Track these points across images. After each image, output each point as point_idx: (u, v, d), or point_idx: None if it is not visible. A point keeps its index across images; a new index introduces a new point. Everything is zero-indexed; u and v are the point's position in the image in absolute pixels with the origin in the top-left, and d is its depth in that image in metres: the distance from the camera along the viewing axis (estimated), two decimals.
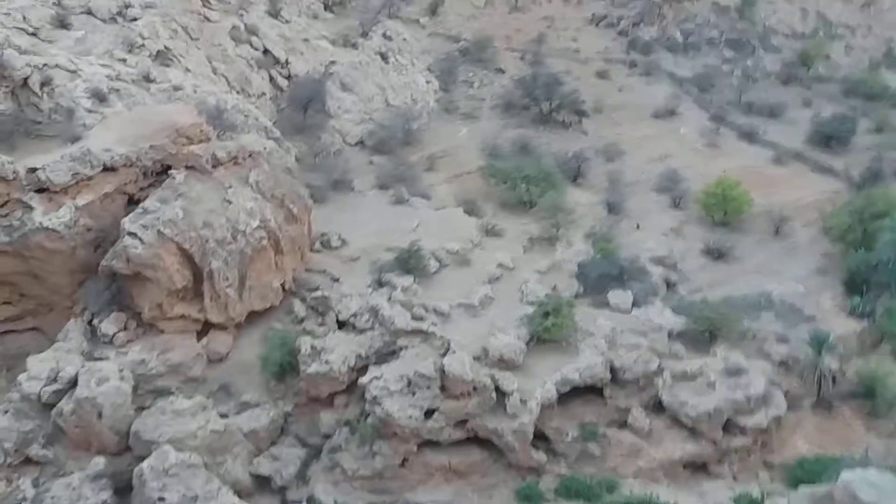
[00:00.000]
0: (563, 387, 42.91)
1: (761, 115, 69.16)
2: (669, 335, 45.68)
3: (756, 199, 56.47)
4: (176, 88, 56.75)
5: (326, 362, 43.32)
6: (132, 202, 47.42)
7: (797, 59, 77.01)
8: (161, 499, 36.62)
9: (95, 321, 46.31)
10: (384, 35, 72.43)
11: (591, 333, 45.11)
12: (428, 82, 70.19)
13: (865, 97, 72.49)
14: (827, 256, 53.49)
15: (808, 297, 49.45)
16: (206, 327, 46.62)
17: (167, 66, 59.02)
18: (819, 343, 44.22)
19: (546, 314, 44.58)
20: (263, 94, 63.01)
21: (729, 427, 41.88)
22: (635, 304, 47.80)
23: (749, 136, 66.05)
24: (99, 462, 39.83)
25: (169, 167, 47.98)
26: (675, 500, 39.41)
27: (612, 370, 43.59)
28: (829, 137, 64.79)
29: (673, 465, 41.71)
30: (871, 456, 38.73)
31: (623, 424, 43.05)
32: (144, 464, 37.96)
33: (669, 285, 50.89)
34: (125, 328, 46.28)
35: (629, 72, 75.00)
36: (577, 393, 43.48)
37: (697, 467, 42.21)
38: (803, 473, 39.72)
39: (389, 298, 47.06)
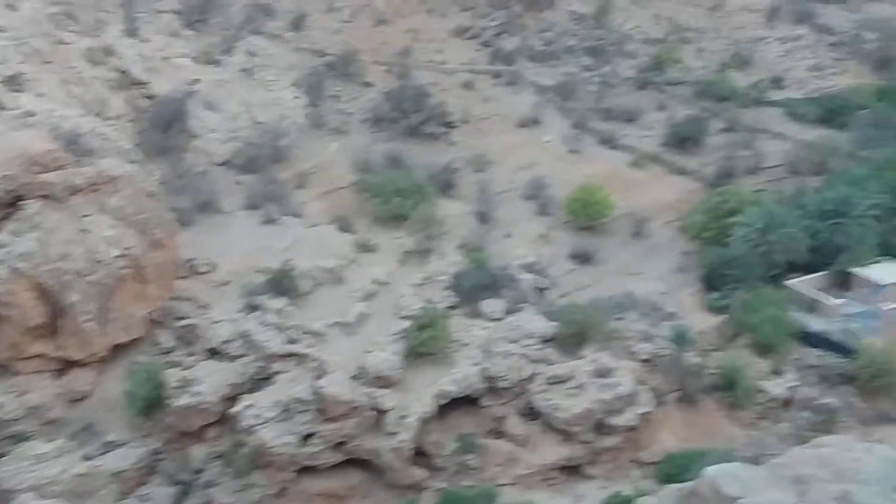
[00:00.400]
0: (440, 400, 42.72)
1: (619, 121, 70.81)
2: (541, 340, 45.99)
3: (617, 202, 57.69)
4: (28, 114, 53.70)
5: (196, 394, 41.66)
6: None
7: (651, 64, 79.44)
8: None
9: None
10: (248, 51, 70.41)
11: (467, 344, 45.12)
12: (295, 98, 68.60)
13: (716, 98, 75.27)
14: (685, 254, 55.13)
15: (668, 295, 50.78)
16: (66, 365, 44.14)
17: (19, 91, 55.76)
18: (681, 339, 45.53)
19: (422, 327, 44.35)
20: (122, 116, 60.21)
21: (600, 428, 42.54)
22: (508, 311, 48.00)
23: (609, 142, 67.52)
24: None
25: (21, 197, 45.32)
26: None
27: (488, 379, 43.62)
28: (684, 139, 66.94)
29: (549, 469, 42.06)
30: (733, 447, 40.01)
31: (500, 433, 43.13)
32: None
33: (540, 291, 51.34)
34: None
35: (494, 82, 75.50)
36: (455, 404, 43.32)
37: (572, 470, 42.67)
38: (671, 468, 40.69)
39: (262, 322, 45.68)
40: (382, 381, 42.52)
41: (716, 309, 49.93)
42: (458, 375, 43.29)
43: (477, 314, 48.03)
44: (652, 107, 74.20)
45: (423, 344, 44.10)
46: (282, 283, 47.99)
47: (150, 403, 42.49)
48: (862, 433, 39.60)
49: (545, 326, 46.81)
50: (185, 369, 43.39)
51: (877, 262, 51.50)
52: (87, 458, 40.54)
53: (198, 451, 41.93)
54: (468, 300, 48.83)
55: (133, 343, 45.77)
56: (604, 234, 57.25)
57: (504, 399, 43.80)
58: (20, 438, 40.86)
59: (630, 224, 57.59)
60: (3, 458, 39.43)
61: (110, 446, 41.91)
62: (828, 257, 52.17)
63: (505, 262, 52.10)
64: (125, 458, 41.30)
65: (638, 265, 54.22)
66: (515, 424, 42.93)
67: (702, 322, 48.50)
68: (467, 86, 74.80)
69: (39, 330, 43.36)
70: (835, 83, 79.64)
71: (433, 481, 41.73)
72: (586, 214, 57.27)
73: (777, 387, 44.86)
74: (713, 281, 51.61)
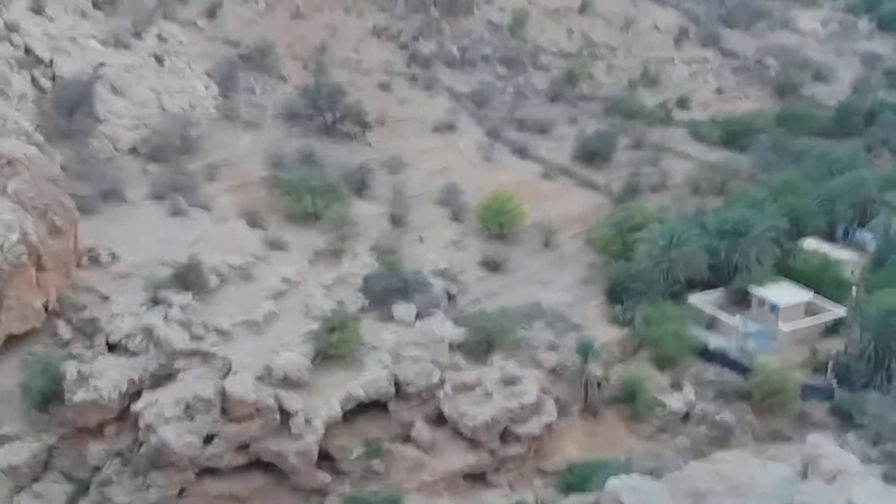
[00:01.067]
0: (348, 403, 42.51)
1: (532, 132, 72.36)
2: (450, 346, 46.44)
3: (528, 211, 58.86)
4: None
5: (95, 389, 40.29)
6: None
7: (564, 78, 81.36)
8: None
9: None
10: (159, 36, 68.41)
11: (376, 347, 45.08)
12: (207, 87, 67.04)
13: (625, 115, 77.78)
14: (591, 267, 56.67)
15: (574, 306, 52.08)
16: None
17: None
18: (585, 351, 46.78)
19: (332, 329, 44.05)
20: (25, 96, 57.55)
21: (505, 436, 43.20)
22: (419, 316, 48.24)
23: (521, 152, 68.88)
24: None
25: None
26: None
27: (397, 384, 43.71)
28: (593, 154, 68.91)
29: (454, 476, 42.40)
30: (633, 459, 41.37)
31: (407, 438, 43.27)
32: None
33: (450, 297, 51.75)
34: None
35: (410, 85, 75.88)
36: (363, 409, 43.23)
37: (476, 478, 43.13)
38: (573, 478, 41.78)
39: (166, 317, 44.53)
40: (289, 383, 42.04)
41: (619, 322, 51.49)
42: (367, 379, 43.20)
43: (388, 318, 48.10)
44: (563, 120, 76.12)
45: (333, 346, 43.80)
46: (187, 278, 46.90)
47: (47, 397, 40.87)
48: (756, 450, 41.40)
49: (454, 332, 47.28)
50: (83, 363, 41.87)
51: (775, 281, 54.09)
52: None
53: (95, 449, 40.58)
54: (379, 303, 48.82)
55: (29, 334, 43.90)
56: (514, 242, 58.33)
57: (412, 404, 43.95)
58: None
59: (539, 234, 58.87)
60: None
61: (3, 440, 40.12)
62: (726, 276, 54.64)
63: (417, 267, 52.35)
64: (19, 452, 39.61)
65: (546, 275, 55.45)
66: (423, 430, 43.14)
67: (606, 334, 49.95)
68: (384, 87, 74.88)
69: None
70: (737, 107, 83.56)
71: (338, 485, 41.52)
72: (498, 223, 58.24)
73: (676, 401, 46.58)
74: (617, 294, 53.21)
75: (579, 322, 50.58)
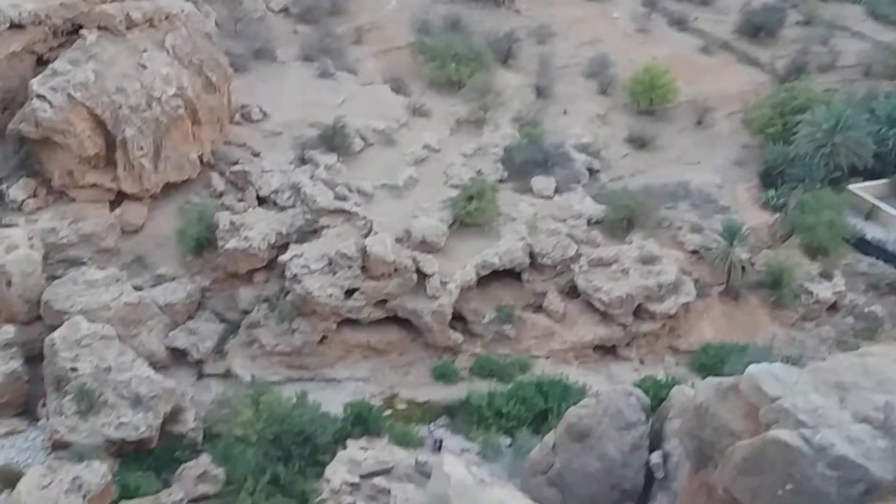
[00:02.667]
0: (482, 270, 43.31)
1: (693, 2, 68.32)
2: (588, 222, 46.33)
3: (682, 87, 56.34)
4: None
5: (245, 238, 42.56)
6: (41, 63, 45.00)
7: None
8: (73, 369, 36.05)
9: (3, 186, 44.47)
10: None
11: (513, 218, 45.35)
12: None
13: None
14: (746, 148, 54.20)
15: (724, 188, 50.32)
16: (119, 198, 45.17)
17: None
18: (731, 233, 45.39)
19: (470, 198, 44.49)
20: None
21: (639, 312, 43.10)
22: (557, 190, 48.03)
23: (679, 24, 65.30)
24: (8, 330, 38.82)
25: (80, 26, 45.28)
26: (584, 381, 40.83)
27: (531, 255, 44.09)
28: (758, 28, 64.51)
29: (584, 347, 42.97)
30: (774, 345, 40.42)
31: (538, 308, 43.90)
32: (56, 334, 37.13)
33: (592, 172, 50.96)
34: (34, 195, 44.65)
35: None
36: (496, 276, 43.98)
37: (606, 350, 43.60)
38: (707, 359, 41.43)
39: (312, 176, 46.12)
40: (426, 247, 43.09)
41: (771, 206, 49.50)
42: (502, 248, 43.70)
43: (526, 190, 48.09)
44: None
45: (470, 214, 44.40)
46: (333, 140, 48.09)
47: (201, 243, 43.56)
48: None
49: (594, 209, 46.91)
50: (235, 214, 44.18)
51: None
52: (138, 288, 42.00)
53: (245, 293, 43.28)
54: (518, 175, 48.73)
55: (185, 183, 46.55)
56: (664, 119, 56.22)
57: (546, 276, 44.37)
58: (74, 263, 42.32)
59: (693, 112, 56.43)
60: (57, 281, 40.85)
61: (161, 279, 43.38)
62: (893, 166, 51.04)
63: (559, 140, 51.52)
64: (175, 292, 42.71)
65: (696, 155, 53.49)
66: (555, 301, 43.58)
67: (755, 218, 48.20)
68: None
69: (95, 160, 44.18)
70: None
71: (470, 346, 42.85)
72: (648, 98, 56.10)
73: (824, 290, 44.82)
74: (771, 178, 50.95)
75: (727, 205, 48.96)
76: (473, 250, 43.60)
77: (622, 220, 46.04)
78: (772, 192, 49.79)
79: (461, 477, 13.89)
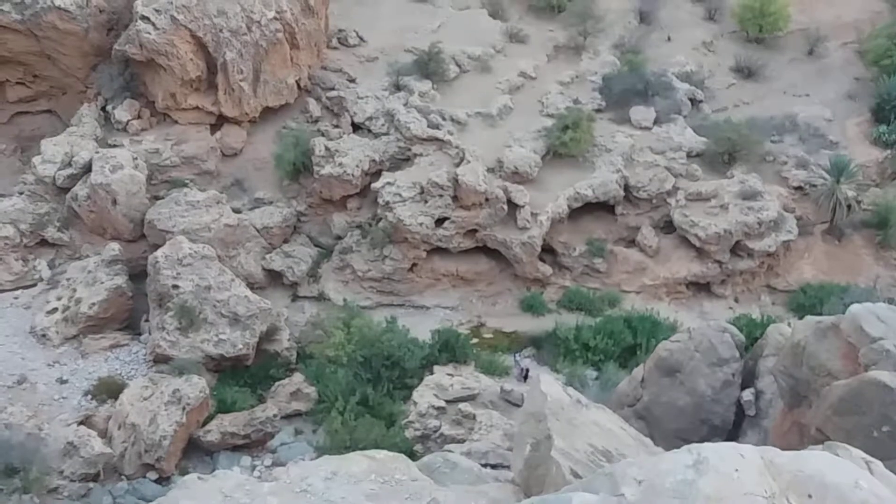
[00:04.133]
0: (574, 202, 42.69)
1: None
2: (688, 155, 44.80)
3: (794, 15, 53.19)
4: None
5: (340, 165, 42.87)
6: None
7: None
8: (175, 286, 37.38)
9: (109, 107, 45.73)
10: None
11: (609, 149, 44.29)
12: None
13: None
14: (859, 81, 50.91)
15: (833, 122, 47.62)
16: (220, 121, 45.87)
17: None
18: (839, 170, 43.17)
19: (565, 128, 43.55)
20: None
21: (736, 249, 41.82)
22: (657, 121, 46.40)
23: None
24: (114, 248, 40.39)
25: None
26: (675, 318, 40.14)
27: (626, 187, 43.14)
28: None
29: (676, 283, 42.12)
30: (878, 287, 38.67)
31: (631, 242, 43.14)
32: (159, 252, 38.45)
33: (694, 103, 48.93)
34: (139, 116, 45.77)
35: None
36: (588, 209, 43.31)
37: (700, 287, 42.66)
38: (805, 299, 40.00)
39: (406, 103, 45.80)
40: (518, 177, 42.57)
41: (882, 143, 46.67)
42: (596, 180, 42.84)
43: (624, 120, 46.63)
44: None
45: (564, 145, 43.51)
46: (428, 66, 47.51)
47: (297, 168, 44.08)
48: None
49: (695, 141, 45.27)
50: (330, 140, 44.43)
51: None
52: (237, 210, 42.96)
53: (339, 219, 43.80)
54: (617, 104, 47.26)
55: (283, 108, 46.88)
56: (774, 48, 53.30)
57: (640, 210, 43.47)
58: (176, 184, 43.49)
59: (804, 41, 53.29)
60: (160, 201, 42.13)
61: (258, 203, 44.20)
62: None
63: (661, 69, 49.61)
64: (272, 215, 43.48)
65: (805, 86, 50.70)
66: (649, 235, 42.67)
67: (864, 155, 45.58)
68: None
69: (196, 83, 44.90)
70: None
71: (559, 278, 42.62)
72: (758, 25, 53.17)
73: None
74: (884, 113, 47.88)
75: (836, 140, 46.41)
76: (566, 182, 42.94)
77: (724, 154, 44.38)
78: (883, 128, 46.90)
79: (558, 396, 13.83)
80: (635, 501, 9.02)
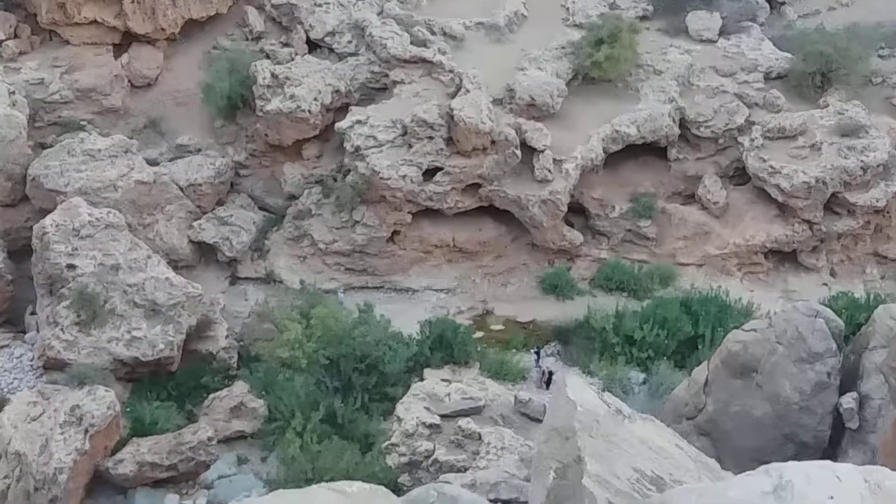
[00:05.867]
0: (613, 144, 42.82)
1: None
2: (766, 77, 45.09)
3: None
4: None
5: (292, 98, 42.86)
6: None
7: None
8: (71, 266, 37.41)
9: None
10: None
11: (659, 71, 44.52)
12: None
13: None
14: None
15: None
16: (126, 40, 45.89)
17: None
18: None
19: (598, 42, 43.65)
20: None
21: (833, 205, 42.16)
22: (724, 31, 46.76)
23: None
24: None
25: None
26: (750, 298, 40.34)
27: (683, 123, 43.38)
28: None
29: (751, 252, 42.41)
30: None
31: (689, 197, 43.39)
32: (47, 220, 38.40)
33: (774, 6, 49.38)
34: (16, 35, 45.71)
35: None
36: (632, 153, 43.45)
37: (784, 257, 42.92)
38: None
39: (381, 12, 45.92)
40: (536, 111, 42.70)
41: None
42: (643, 114, 43.01)
43: (679, 31, 46.91)
44: None
45: (599, 66, 43.67)
46: None
47: (234, 103, 44.08)
48: None
49: (775, 58, 45.54)
50: (278, 64, 44.43)
51: None
52: (153, 162, 42.95)
53: (291, 172, 43.82)
54: (669, 9, 47.56)
55: (212, 21, 46.88)
56: None
57: (702, 153, 43.69)
58: (70, 127, 43.42)
59: None
60: (47, 151, 41.99)
61: (182, 151, 44.28)
62: None
63: None
64: (201, 168, 43.49)
65: None
66: (714, 188, 42.93)
67: None
68: None
69: None
70: None
71: (591, 248, 42.82)
72: None
73: None
74: None
75: None
76: (601, 116, 43.10)
77: (814, 75, 44.62)
78: None
79: (591, 406, 13.83)
80: None
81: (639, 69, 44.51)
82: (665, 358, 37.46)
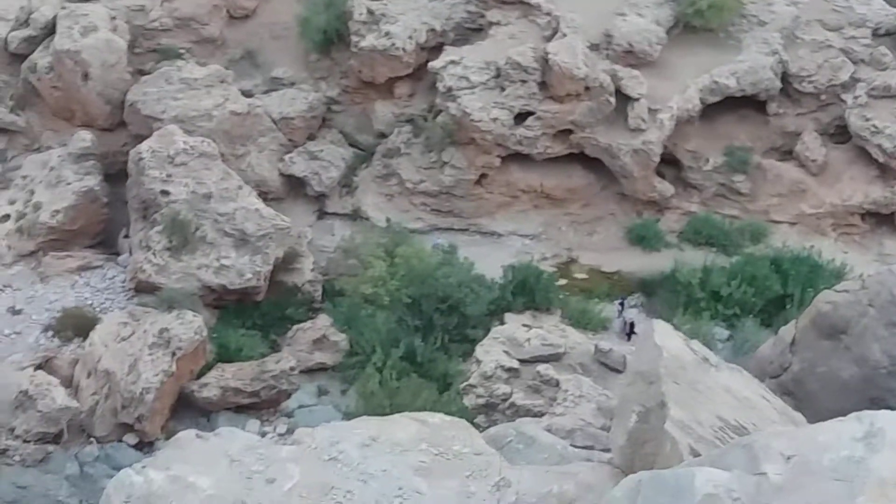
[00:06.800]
0: (710, 95, 42.25)
1: None
2: (874, 33, 44.09)
3: None
4: None
5: (387, 35, 42.86)
6: None
7: None
8: (164, 192, 38.12)
9: None
10: None
11: (763, 22, 43.79)
12: None
13: None
14: None
15: None
16: None
17: None
18: None
19: None
20: None
21: None
22: None
23: None
24: (84, 137, 41.24)
25: None
26: (844, 260, 39.72)
27: (785, 76, 42.65)
28: None
29: (848, 213, 41.85)
30: None
31: (787, 154, 42.75)
32: (143, 146, 39.20)
33: None
34: None
35: None
36: (730, 105, 42.87)
37: (881, 219, 42.26)
38: None
39: None
40: (633, 58, 42.22)
41: None
42: (743, 65, 42.36)
43: None
44: None
45: (700, 14, 42.97)
46: None
47: (329, 38, 44.24)
48: None
49: (885, 13, 44.44)
50: (375, 0, 44.35)
51: None
52: (247, 94, 43.43)
53: (382, 110, 43.99)
54: None
55: None
56: None
57: (803, 108, 43.00)
58: (168, 55, 44.03)
59: None
60: (146, 77, 42.70)
61: (276, 84, 44.61)
62: None
63: None
64: (294, 101, 43.84)
65: None
66: (813, 145, 42.23)
67: None
68: None
69: None
70: None
71: (682, 201, 42.49)
72: None
73: None
74: None
75: None
76: (700, 66, 42.58)
77: None
78: None
79: (678, 352, 13.82)
80: (781, 483, 9.07)
81: (742, 19, 43.75)
82: (751, 315, 37.27)
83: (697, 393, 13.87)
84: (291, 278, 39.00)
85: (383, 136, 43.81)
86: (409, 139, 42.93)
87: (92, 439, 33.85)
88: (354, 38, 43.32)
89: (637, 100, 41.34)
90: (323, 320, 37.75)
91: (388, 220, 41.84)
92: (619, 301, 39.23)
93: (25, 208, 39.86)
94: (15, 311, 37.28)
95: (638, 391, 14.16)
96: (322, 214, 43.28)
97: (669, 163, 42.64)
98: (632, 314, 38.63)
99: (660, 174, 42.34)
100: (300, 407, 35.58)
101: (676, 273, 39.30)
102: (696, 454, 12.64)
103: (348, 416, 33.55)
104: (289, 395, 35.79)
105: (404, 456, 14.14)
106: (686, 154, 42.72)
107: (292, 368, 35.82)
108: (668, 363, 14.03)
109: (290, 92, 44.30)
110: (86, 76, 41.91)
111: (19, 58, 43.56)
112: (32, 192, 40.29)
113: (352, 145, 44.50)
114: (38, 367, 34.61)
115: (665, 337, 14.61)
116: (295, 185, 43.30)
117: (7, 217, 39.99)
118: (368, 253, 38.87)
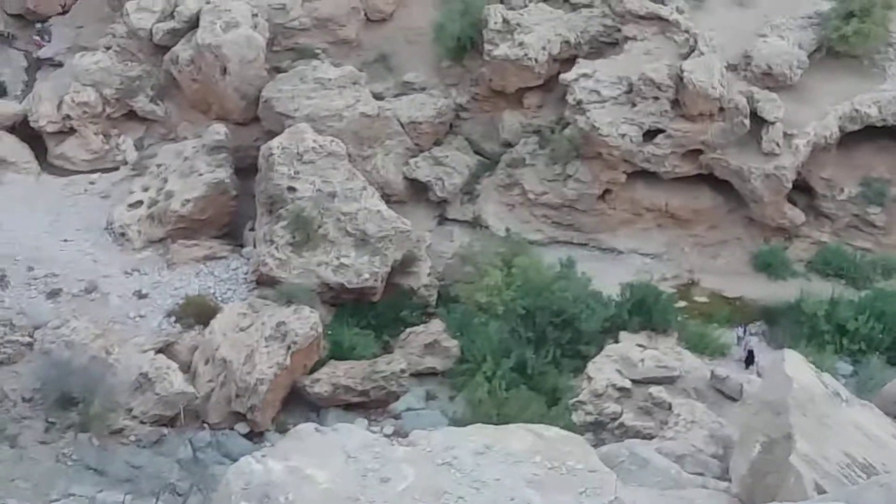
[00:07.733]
0: (850, 123, 41.27)
1: None
2: None
3: None
4: None
5: (520, 45, 42.80)
6: None
7: None
8: (291, 188, 38.77)
9: None
10: None
11: None
12: None
13: None
14: None
15: None
16: None
17: None
18: None
19: (849, 15, 42.02)
20: None
21: None
22: None
23: None
24: (218, 130, 42.27)
25: None
26: None
27: None
28: None
29: None
30: None
31: None
32: (275, 142, 39.95)
33: None
34: None
35: None
36: (869, 135, 41.83)
37: None
38: None
39: None
40: (772, 81, 41.43)
41: None
42: (886, 95, 41.31)
43: None
44: None
45: (845, 39, 42.04)
46: None
47: (462, 45, 44.36)
48: None
49: None
50: (511, 9, 44.32)
51: None
52: (378, 96, 43.83)
53: (510, 120, 43.94)
54: None
55: None
56: None
57: None
58: (304, 54, 44.71)
59: None
60: (281, 75, 43.43)
61: (407, 88, 44.95)
62: None
63: None
64: (423, 106, 44.11)
65: None
66: None
67: None
68: None
69: None
70: None
71: (813, 230, 41.69)
72: None
73: None
74: None
75: None
76: (841, 93, 41.68)
77: None
78: None
79: (808, 384, 13.55)
80: None
81: (888, 47, 42.69)
82: (877, 353, 36.33)
83: (826, 427, 13.53)
84: (408, 281, 39.29)
85: (509, 145, 43.78)
86: (534, 150, 42.81)
87: (205, 425, 34.63)
88: (488, 47, 43.38)
89: (773, 123, 40.53)
90: (436, 325, 37.96)
91: (507, 229, 41.81)
92: (742, 327, 38.52)
93: (158, 196, 40.97)
94: (141, 295, 38.31)
95: (763, 421, 13.87)
96: (442, 220, 43.48)
97: (802, 189, 41.77)
98: (753, 342, 37.87)
99: (791, 201, 41.46)
100: (408, 410, 35.82)
101: (802, 303, 38.47)
102: (820, 490, 12.32)
103: (455, 422, 33.64)
104: (397, 397, 36.07)
105: (518, 467, 14.10)
106: (820, 182, 41.79)
107: (403, 371, 36.07)
108: (797, 394, 13.73)
109: (420, 97, 44.63)
110: (224, 70, 42.86)
111: (162, 49, 44.77)
112: (165, 181, 41.40)
113: (477, 153, 44.56)
114: (159, 350, 35.57)
115: (796, 367, 14.29)
116: (418, 190, 43.58)
117: (140, 203, 41.14)
118: (486, 261, 38.92)
